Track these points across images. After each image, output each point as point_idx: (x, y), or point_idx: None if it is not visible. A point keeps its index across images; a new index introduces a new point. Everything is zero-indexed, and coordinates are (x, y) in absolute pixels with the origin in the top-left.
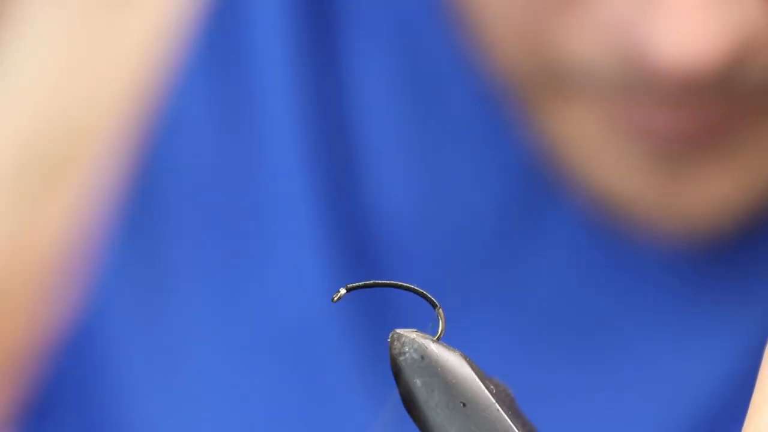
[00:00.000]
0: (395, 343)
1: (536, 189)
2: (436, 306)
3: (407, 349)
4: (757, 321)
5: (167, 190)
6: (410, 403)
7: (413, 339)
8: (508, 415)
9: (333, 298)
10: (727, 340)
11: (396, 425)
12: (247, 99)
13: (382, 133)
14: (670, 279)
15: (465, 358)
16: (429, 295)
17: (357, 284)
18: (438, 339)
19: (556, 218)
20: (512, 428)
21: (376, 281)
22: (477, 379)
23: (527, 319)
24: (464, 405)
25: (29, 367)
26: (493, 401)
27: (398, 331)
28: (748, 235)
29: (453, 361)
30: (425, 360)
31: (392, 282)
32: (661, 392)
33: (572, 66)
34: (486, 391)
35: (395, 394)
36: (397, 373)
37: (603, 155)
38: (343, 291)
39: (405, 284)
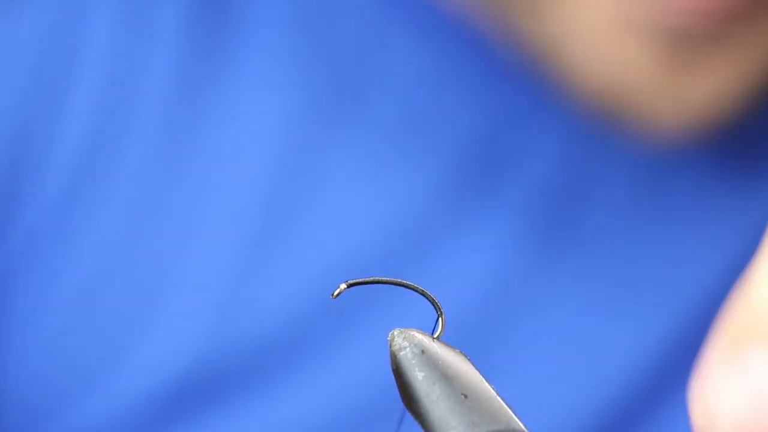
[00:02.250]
0: (396, 339)
1: (524, 94)
2: (437, 304)
3: (407, 344)
4: (755, 214)
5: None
6: (410, 398)
7: (413, 335)
8: (509, 407)
9: (333, 294)
10: (727, 234)
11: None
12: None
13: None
14: (668, 174)
15: (466, 357)
16: (430, 294)
17: (357, 280)
18: (438, 337)
19: (547, 120)
20: (514, 419)
21: (377, 278)
22: (478, 372)
23: (522, 221)
24: (466, 397)
25: None
26: (495, 393)
27: (398, 329)
28: (747, 129)
29: (454, 356)
30: (426, 354)
31: (393, 279)
32: (655, 289)
33: None
34: (487, 383)
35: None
36: (397, 369)
37: (605, 45)
38: (343, 286)
39: (406, 282)
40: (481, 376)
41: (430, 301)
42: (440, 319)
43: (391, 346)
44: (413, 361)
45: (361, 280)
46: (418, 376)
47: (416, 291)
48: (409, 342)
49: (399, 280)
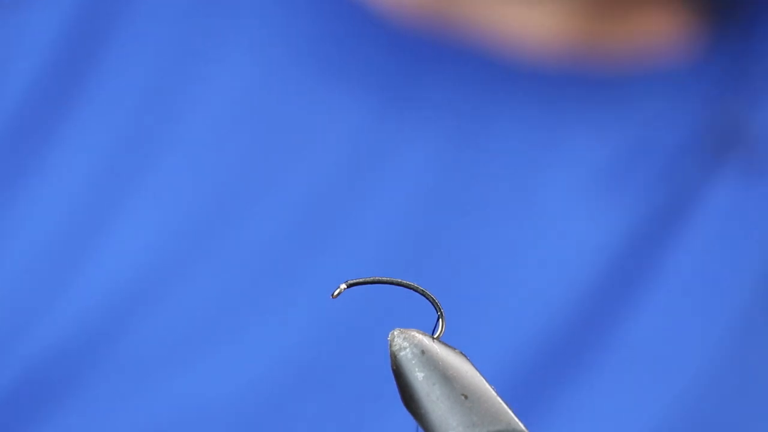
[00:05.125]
0: (396, 340)
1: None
2: (437, 304)
3: (407, 344)
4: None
5: None
6: (410, 398)
7: (414, 335)
8: (510, 408)
9: (333, 294)
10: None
11: None
12: None
13: None
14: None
15: (466, 357)
16: (430, 294)
17: (357, 280)
18: (438, 338)
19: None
20: (514, 419)
21: (378, 278)
22: (478, 373)
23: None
24: (466, 397)
25: None
26: (496, 393)
27: (398, 329)
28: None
29: (454, 356)
30: (426, 354)
31: (393, 279)
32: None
33: None
34: (487, 383)
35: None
36: (397, 369)
37: None
38: (343, 286)
39: (406, 282)
40: (481, 377)
41: (430, 301)
42: (440, 319)
43: (391, 347)
44: (413, 362)
45: (361, 280)
46: (418, 376)
47: (416, 291)
48: (409, 342)
49: (399, 280)
